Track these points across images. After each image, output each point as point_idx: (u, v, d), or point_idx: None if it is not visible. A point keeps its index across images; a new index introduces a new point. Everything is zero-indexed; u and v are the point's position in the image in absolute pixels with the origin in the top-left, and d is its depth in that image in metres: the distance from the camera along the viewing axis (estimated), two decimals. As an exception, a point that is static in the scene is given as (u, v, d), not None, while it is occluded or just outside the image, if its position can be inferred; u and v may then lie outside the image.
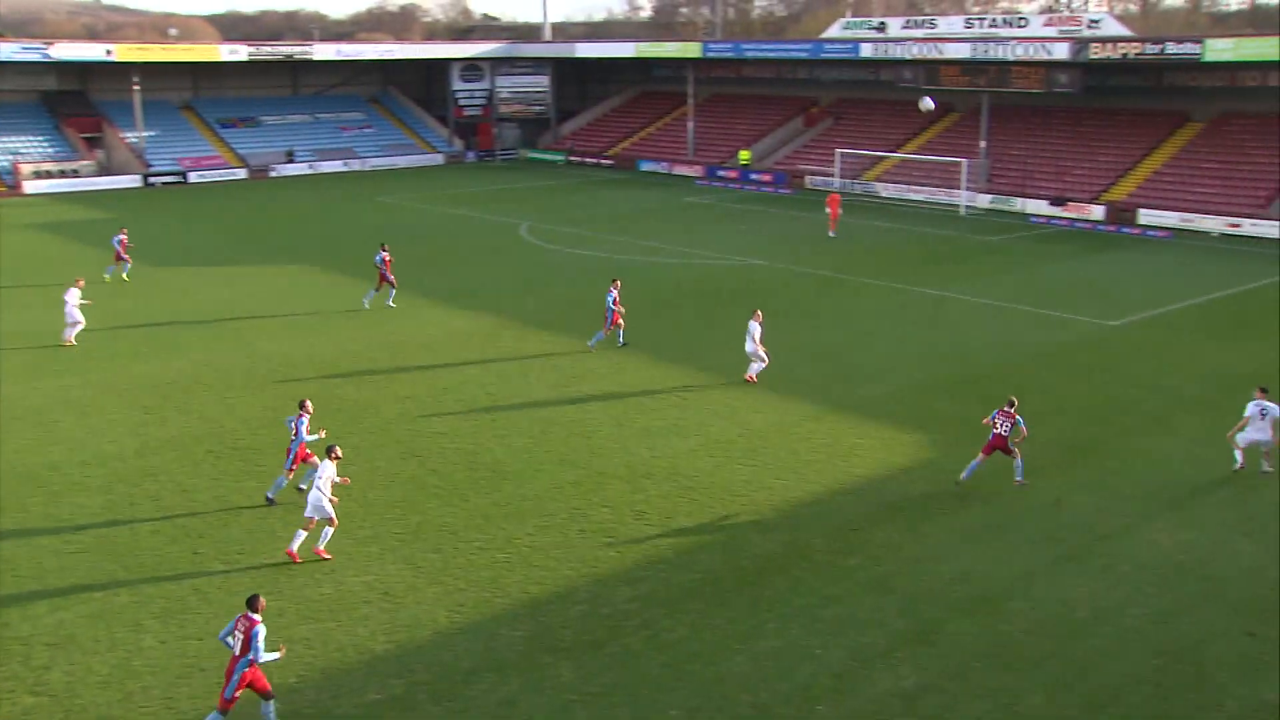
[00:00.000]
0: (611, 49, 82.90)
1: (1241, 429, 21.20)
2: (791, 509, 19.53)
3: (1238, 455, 21.34)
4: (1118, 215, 54.87)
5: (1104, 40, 55.01)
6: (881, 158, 67.02)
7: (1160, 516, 19.33)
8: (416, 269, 39.67)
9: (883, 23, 66.95)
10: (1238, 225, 51.21)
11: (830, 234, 49.76)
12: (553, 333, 31.63)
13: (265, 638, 13.10)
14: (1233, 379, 27.40)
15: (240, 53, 73.81)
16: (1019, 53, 57.48)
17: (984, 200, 59.49)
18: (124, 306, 34.63)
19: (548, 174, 75.32)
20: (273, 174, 73.74)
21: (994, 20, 62.39)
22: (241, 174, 72.73)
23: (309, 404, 20.35)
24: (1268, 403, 21.00)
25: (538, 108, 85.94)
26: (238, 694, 12.99)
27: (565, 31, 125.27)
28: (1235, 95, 58.98)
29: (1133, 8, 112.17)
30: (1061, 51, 55.83)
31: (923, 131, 69.08)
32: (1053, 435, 23.23)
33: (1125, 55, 53.89)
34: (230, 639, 13.12)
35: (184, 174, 70.49)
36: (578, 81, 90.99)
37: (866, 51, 64.91)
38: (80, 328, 30.72)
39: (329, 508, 17.63)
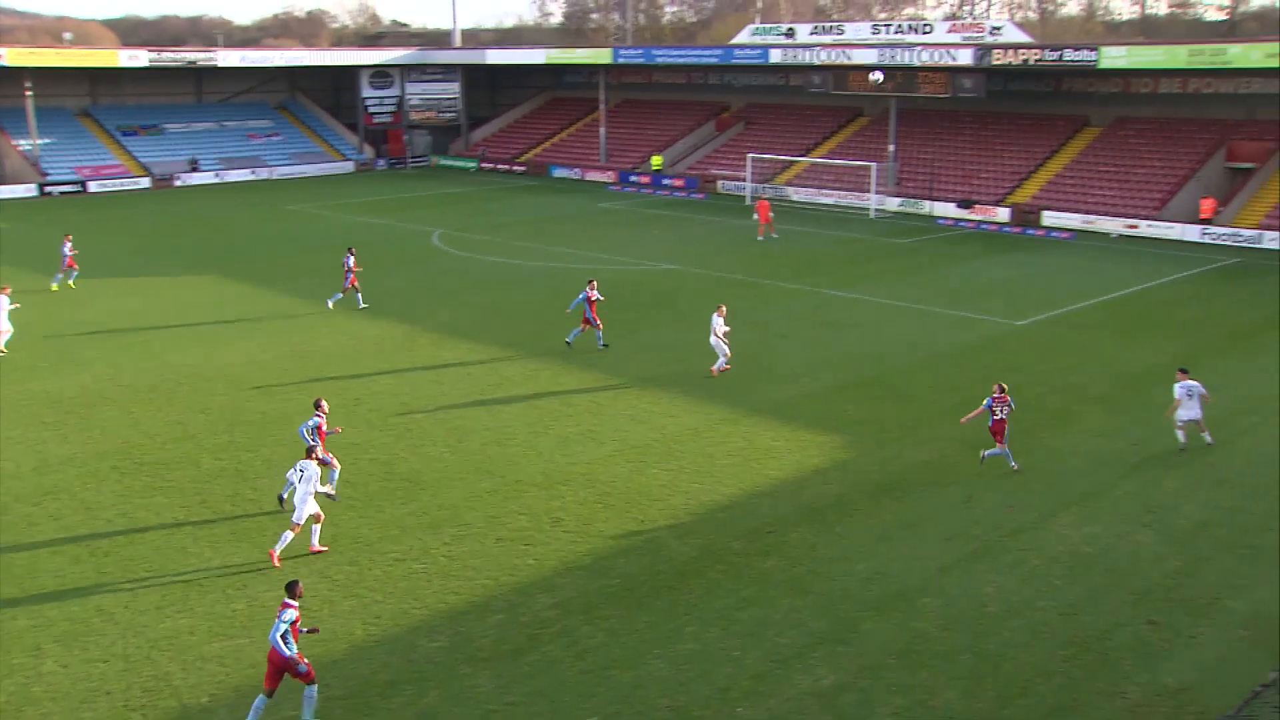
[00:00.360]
0: (522, 55, 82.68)
1: (1175, 410, 22.75)
2: (708, 513, 19.66)
3: (1180, 435, 22.79)
4: (1023, 217, 56.23)
5: (1005, 46, 56.33)
6: (792, 162, 67.78)
7: (1066, 511, 19.85)
8: (326, 277, 39.12)
9: (791, 29, 67.78)
10: (1135, 226, 52.82)
11: (771, 236, 50.80)
12: (467, 341, 31.42)
13: (291, 623, 13.25)
14: (1132, 375, 28.28)
15: (140, 58, 72.02)
16: (924, 58, 58.61)
17: (893, 203, 60.51)
18: (22, 319, 33.53)
19: (460, 181, 74.82)
20: (178, 183, 72.09)
21: (900, 26, 63.54)
22: (145, 183, 71.00)
23: (324, 404, 20.28)
24: (1190, 382, 22.64)
25: (449, 114, 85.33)
26: (307, 666, 13.29)
27: (475, 38, 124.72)
28: (1129, 101, 60.91)
29: (1032, 15, 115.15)
30: (965, 57, 57.06)
31: (833, 135, 70.06)
32: (963, 434, 23.69)
33: (1026, 61, 55.26)
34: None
35: (83, 183, 68.58)
36: (489, 88, 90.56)
37: (776, 57, 65.63)
38: (8, 336, 30.37)
39: (308, 509, 17.64)
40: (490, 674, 14.65)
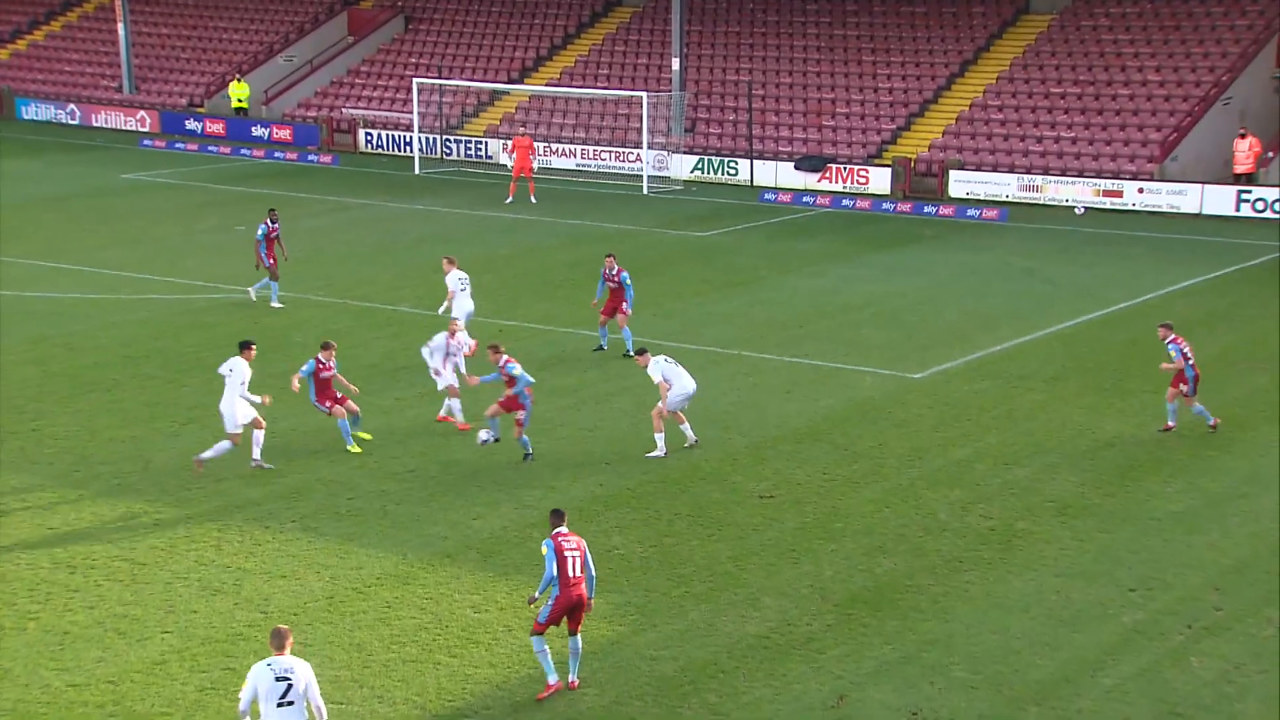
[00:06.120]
0: None
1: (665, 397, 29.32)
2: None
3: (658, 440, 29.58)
4: (914, 184, 58.50)
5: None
6: (498, 93, 68.54)
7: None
8: None
9: None
10: (1118, 194, 55.56)
11: (531, 200, 54.81)
12: None
13: None
14: (1122, 464, 29.48)
15: None
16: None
17: (684, 165, 61.84)
18: None
19: None
20: None
21: None
22: None
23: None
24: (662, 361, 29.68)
25: None
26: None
27: None
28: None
29: None
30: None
31: (568, 43, 71.25)
32: (831, 580, 24.21)
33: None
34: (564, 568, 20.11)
35: None
36: None
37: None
38: None
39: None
40: None
